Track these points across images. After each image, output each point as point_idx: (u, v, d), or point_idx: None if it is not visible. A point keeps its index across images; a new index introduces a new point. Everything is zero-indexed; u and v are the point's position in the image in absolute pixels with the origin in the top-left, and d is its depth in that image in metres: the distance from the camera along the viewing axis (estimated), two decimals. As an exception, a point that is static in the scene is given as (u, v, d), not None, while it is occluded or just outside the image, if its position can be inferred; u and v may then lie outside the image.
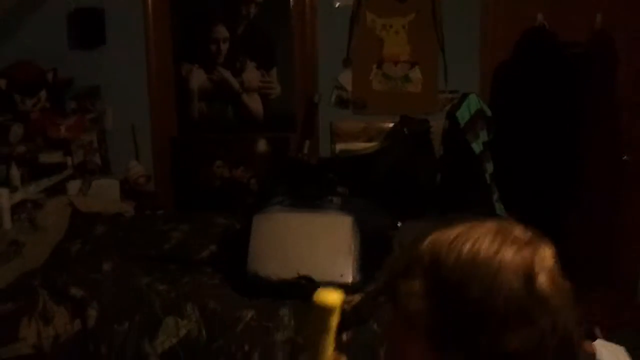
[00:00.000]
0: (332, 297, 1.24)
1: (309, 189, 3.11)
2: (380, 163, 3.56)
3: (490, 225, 1.05)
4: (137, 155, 4.27)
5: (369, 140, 4.06)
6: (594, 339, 2.24)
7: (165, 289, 2.50)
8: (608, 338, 2.52)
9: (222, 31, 4.20)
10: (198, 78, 4.28)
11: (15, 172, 3.49)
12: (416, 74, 4.14)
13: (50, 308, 2.42)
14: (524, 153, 3.70)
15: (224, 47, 4.21)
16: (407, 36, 4.09)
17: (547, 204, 3.69)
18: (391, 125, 3.92)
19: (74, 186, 3.94)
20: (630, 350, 2.34)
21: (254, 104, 4.29)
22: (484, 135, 3.29)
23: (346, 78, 4.21)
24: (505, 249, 1.01)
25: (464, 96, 3.39)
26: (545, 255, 1.03)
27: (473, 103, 3.31)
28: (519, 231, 1.05)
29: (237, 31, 4.20)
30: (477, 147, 3.26)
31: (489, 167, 3.31)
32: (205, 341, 2.30)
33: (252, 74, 4.25)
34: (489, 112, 3.36)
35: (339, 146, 4.13)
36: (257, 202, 3.09)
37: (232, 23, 4.19)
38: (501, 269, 0.99)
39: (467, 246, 1.02)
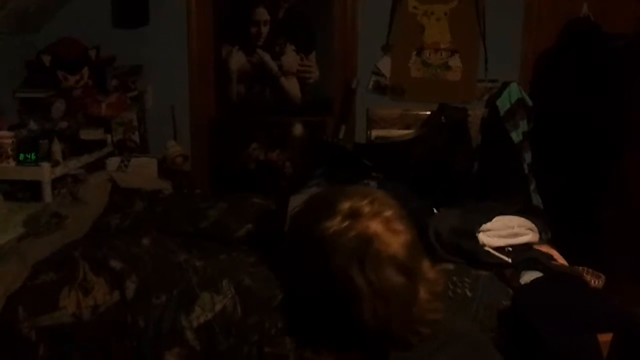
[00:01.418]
0: None
1: (345, 173, 3.12)
2: (416, 151, 3.55)
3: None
4: (175, 135, 4.32)
5: (406, 127, 4.05)
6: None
7: (202, 265, 2.54)
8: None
9: (262, 14, 4.21)
10: (238, 60, 4.31)
11: (57, 147, 3.56)
12: (456, 62, 4.11)
13: (90, 279, 2.47)
14: (563, 144, 3.66)
15: (265, 29, 4.23)
16: (448, 23, 4.06)
17: (584, 197, 3.65)
18: (428, 113, 3.91)
19: (113, 163, 4.02)
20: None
21: (292, 87, 4.31)
22: (523, 125, 3.27)
23: (385, 64, 4.20)
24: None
25: (505, 85, 3.36)
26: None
27: (514, 92, 3.28)
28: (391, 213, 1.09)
29: (278, 14, 4.21)
30: (516, 136, 3.24)
31: (527, 157, 3.28)
32: (240, 317, 2.33)
33: (291, 58, 4.27)
34: (529, 102, 3.33)
35: (375, 132, 4.13)
36: (293, 184, 3.11)
37: (273, 6, 4.20)
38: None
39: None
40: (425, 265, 1.13)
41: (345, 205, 1.07)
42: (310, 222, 1.09)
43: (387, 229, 1.07)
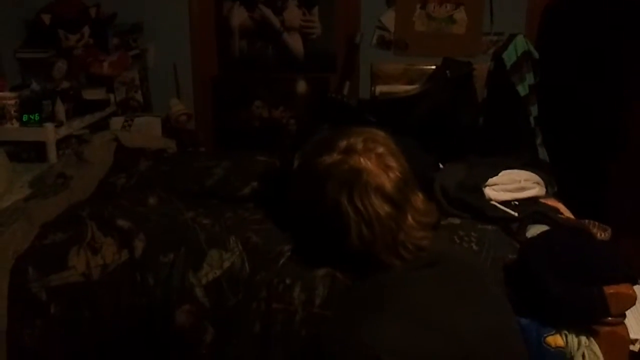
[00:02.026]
0: None
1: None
2: (421, 106, 3.52)
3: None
4: (178, 94, 4.29)
5: (410, 82, 4.02)
6: (635, 283, 2.25)
7: (209, 223, 2.54)
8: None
9: (264, -32, 4.15)
10: (239, 16, 4.25)
11: (60, 108, 3.55)
12: (461, 14, 4.06)
13: (99, 239, 2.47)
14: (569, 97, 3.63)
15: (266, -16, 4.17)
16: (453, -25, 4.00)
17: (590, 149, 3.64)
18: (433, 67, 3.86)
19: (116, 123, 4.00)
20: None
21: (295, 43, 4.27)
22: (530, 78, 3.23)
23: (389, 18, 4.15)
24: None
25: (511, 37, 3.31)
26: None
27: (520, 44, 3.23)
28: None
29: (280, -32, 4.15)
30: (522, 89, 3.20)
31: (534, 111, 3.25)
32: (248, 274, 2.33)
33: (293, 13, 4.21)
34: (536, 54, 3.28)
35: (379, 88, 4.10)
36: (298, 141, 3.09)
37: (274, -41, 4.14)
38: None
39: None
40: (417, 197, 1.27)
41: (343, 143, 1.23)
42: (312, 156, 1.25)
43: (377, 164, 1.20)
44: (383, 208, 1.18)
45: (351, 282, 1.25)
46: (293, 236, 1.33)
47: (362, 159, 1.19)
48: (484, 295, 1.24)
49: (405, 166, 1.22)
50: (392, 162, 1.21)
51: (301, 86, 4.30)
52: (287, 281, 2.29)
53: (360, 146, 1.21)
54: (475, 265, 1.32)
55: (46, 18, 3.92)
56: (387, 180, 1.19)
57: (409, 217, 1.22)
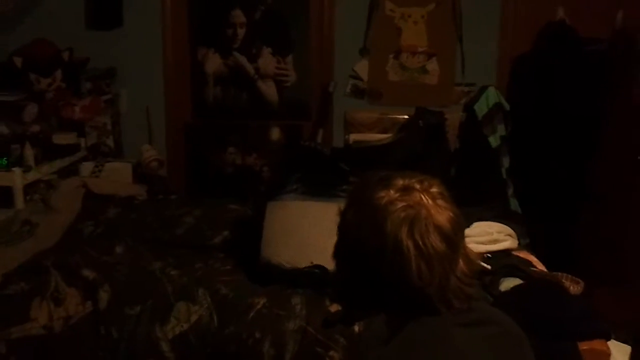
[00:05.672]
0: None
1: (323, 178, 3.08)
2: (394, 154, 3.53)
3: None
4: (150, 139, 4.25)
5: (383, 131, 4.03)
6: (609, 339, 2.23)
7: (177, 274, 2.49)
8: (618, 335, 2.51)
9: (239, 16, 4.17)
10: (213, 63, 4.26)
11: (29, 152, 3.49)
12: (433, 65, 4.11)
13: (62, 289, 2.41)
14: (540, 148, 3.66)
15: (241, 32, 4.19)
16: (425, 27, 4.05)
17: (561, 201, 3.66)
18: (406, 117, 3.89)
19: (86, 168, 3.94)
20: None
21: (269, 90, 4.27)
22: (501, 129, 3.26)
23: (362, 68, 4.19)
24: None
25: (483, 89, 3.36)
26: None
27: (492, 96, 3.28)
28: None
29: (255, 16, 4.17)
30: (494, 140, 3.23)
31: (505, 162, 3.28)
32: (217, 327, 2.29)
33: (267, 60, 4.23)
34: (507, 106, 3.32)
35: (353, 136, 4.11)
36: (270, 189, 3.07)
37: (249, 8, 4.16)
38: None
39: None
40: (465, 243, 1.26)
41: (399, 182, 1.22)
42: (368, 193, 1.23)
43: (434, 203, 1.20)
44: (440, 247, 1.18)
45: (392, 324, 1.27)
46: (339, 275, 1.34)
47: (421, 196, 1.20)
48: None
49: (457, 209, 1.23)
50: (447, 204, 1.22)
51: (275, 133, 4.30)
52: (257, 335, 2.25)
53: (417, 186, 1.21)
54: (515, 329, 1.34)
55: (18, 61, 3.88)
56: (445, 220, 1.19)
57: (460, 262, 1.22)
